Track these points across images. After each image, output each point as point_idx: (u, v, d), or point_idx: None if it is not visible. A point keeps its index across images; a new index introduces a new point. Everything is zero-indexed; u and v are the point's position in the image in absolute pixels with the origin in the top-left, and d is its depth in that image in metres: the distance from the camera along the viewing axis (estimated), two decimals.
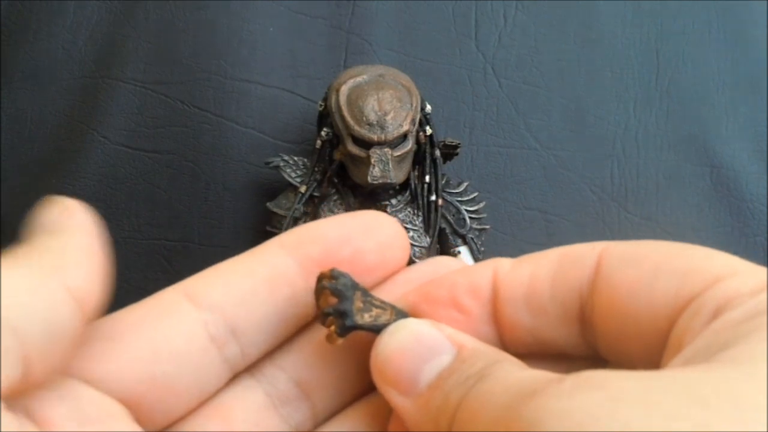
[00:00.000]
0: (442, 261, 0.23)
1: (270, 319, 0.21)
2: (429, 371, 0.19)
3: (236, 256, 0.21)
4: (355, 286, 0.21)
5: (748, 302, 0.16)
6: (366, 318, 0.20)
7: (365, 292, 0.21)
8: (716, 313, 0.17)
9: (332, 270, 0.20)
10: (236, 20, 0.46)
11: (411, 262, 0.40)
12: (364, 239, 0.21)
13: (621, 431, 0.13)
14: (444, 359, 0.19)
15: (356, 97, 0.39)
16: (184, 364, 0.20)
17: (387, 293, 0.22)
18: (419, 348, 0.19)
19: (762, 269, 0.18)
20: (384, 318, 0.20)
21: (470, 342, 0.19)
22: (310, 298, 0.21)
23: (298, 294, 0.21)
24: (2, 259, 0.18)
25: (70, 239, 0.19)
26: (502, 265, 0.21)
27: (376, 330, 0.20)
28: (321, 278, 0.21)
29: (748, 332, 0.15)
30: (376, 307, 0.21)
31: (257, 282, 0.21)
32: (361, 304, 0.20)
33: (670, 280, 0.18)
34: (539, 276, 0.20)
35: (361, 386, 0.22)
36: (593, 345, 0.20)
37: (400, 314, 0.21)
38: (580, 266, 0.20)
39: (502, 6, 0.48)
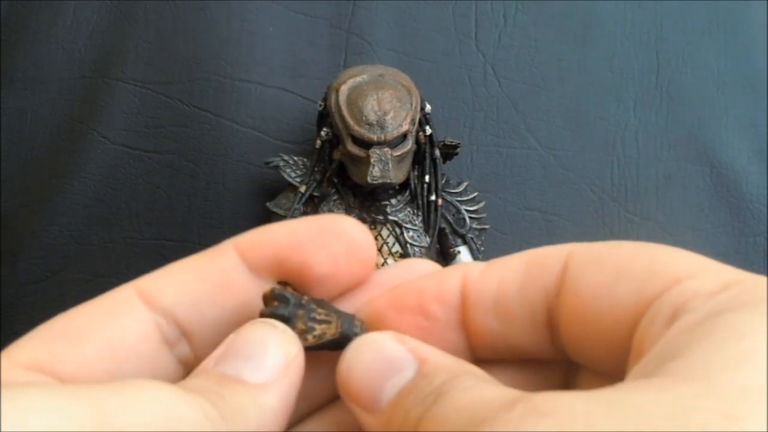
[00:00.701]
0: (412, 264, 0.23)
1: (221, 323, 0.21)
2: (390, 388, 0.19)
3: (192, 256, 0.21)
4: (297, 305, 0.20)
5: (703, 305, 0.16)
6: (310, 339, 0.20)
7: (309, 308, 0.20)
8: (673, 318, 0.16)
9: (273, 290, 0.20)
10: (236, 20, 0.46)
11: None
12: (315, 250, 0.21)
13: None
14: (405, 375, 0.19)
15: (356, 97, 0.39)
16: (141, 364, 0.20)
17: (356, 298, 0.21)
18: (381, 365, 0.19)
19: (727, 269, 0.17)
20: (330, 333, 0.20)
21: (433, 355, 0.19)
22: (260, 305, 0.21)
23: (248, 301, 0.21)
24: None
25: (261, 398, 0.18)
26: (471, 270, 0.21)
27: (325, 347, 0.20)
28: (265, 300, 0.20)
29: (699, 338, 0.15)
30: (321, 322, 0.20)
31: (209, 286, 0.21)
32: (303, 326, 0.20)
33: (631, 283, 0.17)
34: (507, 281, 0.20)
35: (329, 391, 0.22)
36: (563, 350, 0.20)
37: (347, 321, 0.21)
38: (547, 270, 0.19)
39: (502, 6, 0.48)
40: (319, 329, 0.20)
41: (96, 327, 0.20)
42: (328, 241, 0.21)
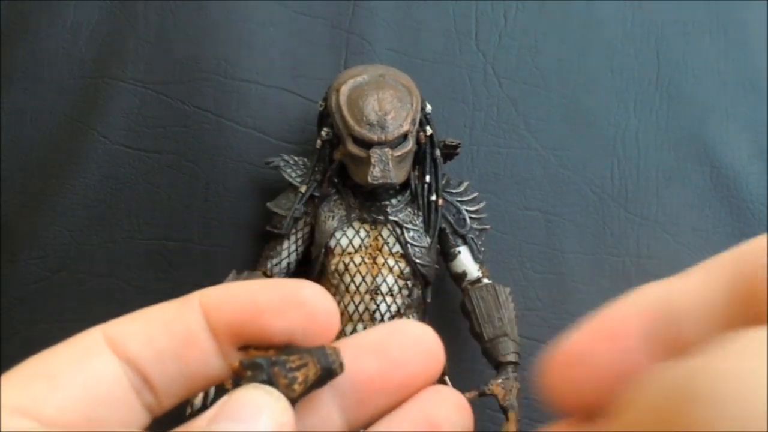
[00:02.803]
0: (398, 326, 0.23)
1: (183, 377, 0.21)
2: None
3: (161, 304, 0.22)
4: (270, 364, 0.20)
5: None
6: (297, 389, 0.20)
7: (281, 362, 0.21)
8: None
9: (241, 363, 0.21)
10: (236, 20, 0.46)
11: (412, 264, 0.40)
12: (273, 319, 0.21)
13: None
14: None
15: (356, 97, 0.39)
16: (114, 408, 0.21)
17: (348, 362, 0.22)
18: None
19: None
20: (312, 374, 0.21)
21: None
22: (220, 362, 0.22)
23: (210, 359, 0.22)
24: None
25: None
26: None
27: (313, 388, 0.21)
28: (238, 374, 0.21)
29: None
30: (298, 369, 0.21)
31: (173, 341, 0.21)
32: (286, 380, 0.20)
33: None
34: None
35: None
36: None
37: (321, 355, 0.21)
38: None
39: (502, 6, 0.48)
40: (300, 375, 0.20)
41: (71, 371, 0.20)
42: (286, 311, 0.21)
